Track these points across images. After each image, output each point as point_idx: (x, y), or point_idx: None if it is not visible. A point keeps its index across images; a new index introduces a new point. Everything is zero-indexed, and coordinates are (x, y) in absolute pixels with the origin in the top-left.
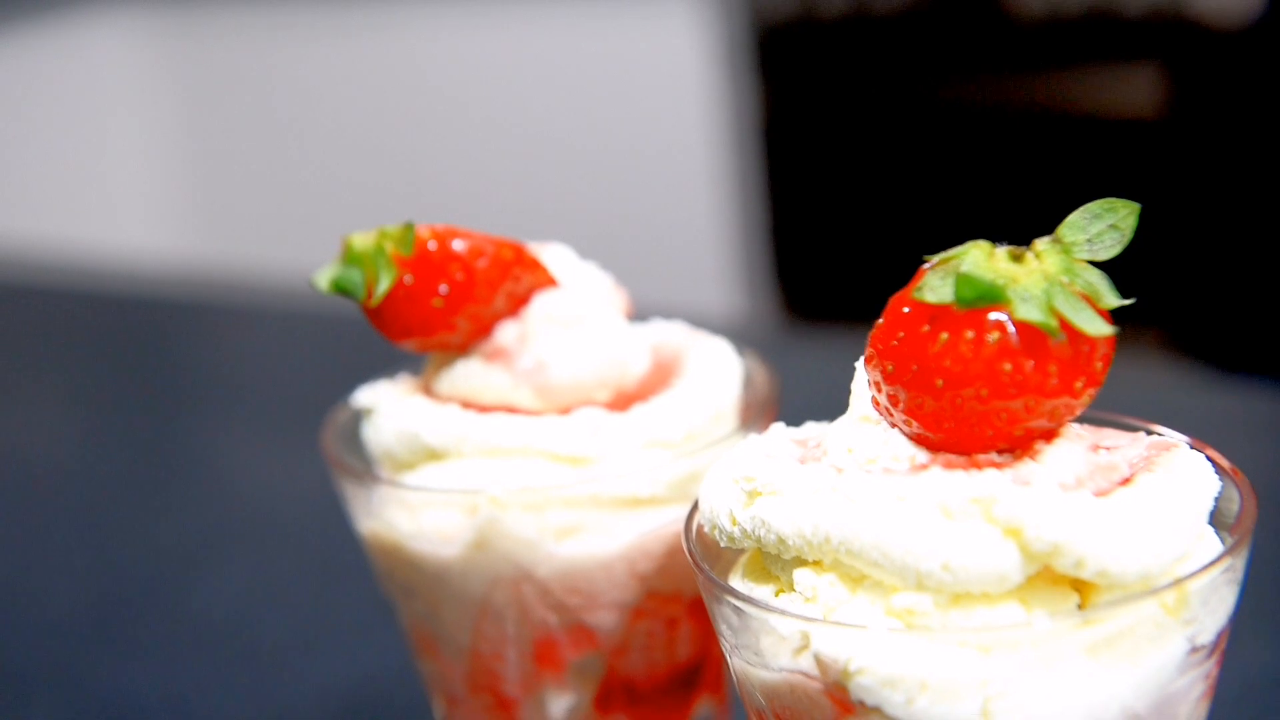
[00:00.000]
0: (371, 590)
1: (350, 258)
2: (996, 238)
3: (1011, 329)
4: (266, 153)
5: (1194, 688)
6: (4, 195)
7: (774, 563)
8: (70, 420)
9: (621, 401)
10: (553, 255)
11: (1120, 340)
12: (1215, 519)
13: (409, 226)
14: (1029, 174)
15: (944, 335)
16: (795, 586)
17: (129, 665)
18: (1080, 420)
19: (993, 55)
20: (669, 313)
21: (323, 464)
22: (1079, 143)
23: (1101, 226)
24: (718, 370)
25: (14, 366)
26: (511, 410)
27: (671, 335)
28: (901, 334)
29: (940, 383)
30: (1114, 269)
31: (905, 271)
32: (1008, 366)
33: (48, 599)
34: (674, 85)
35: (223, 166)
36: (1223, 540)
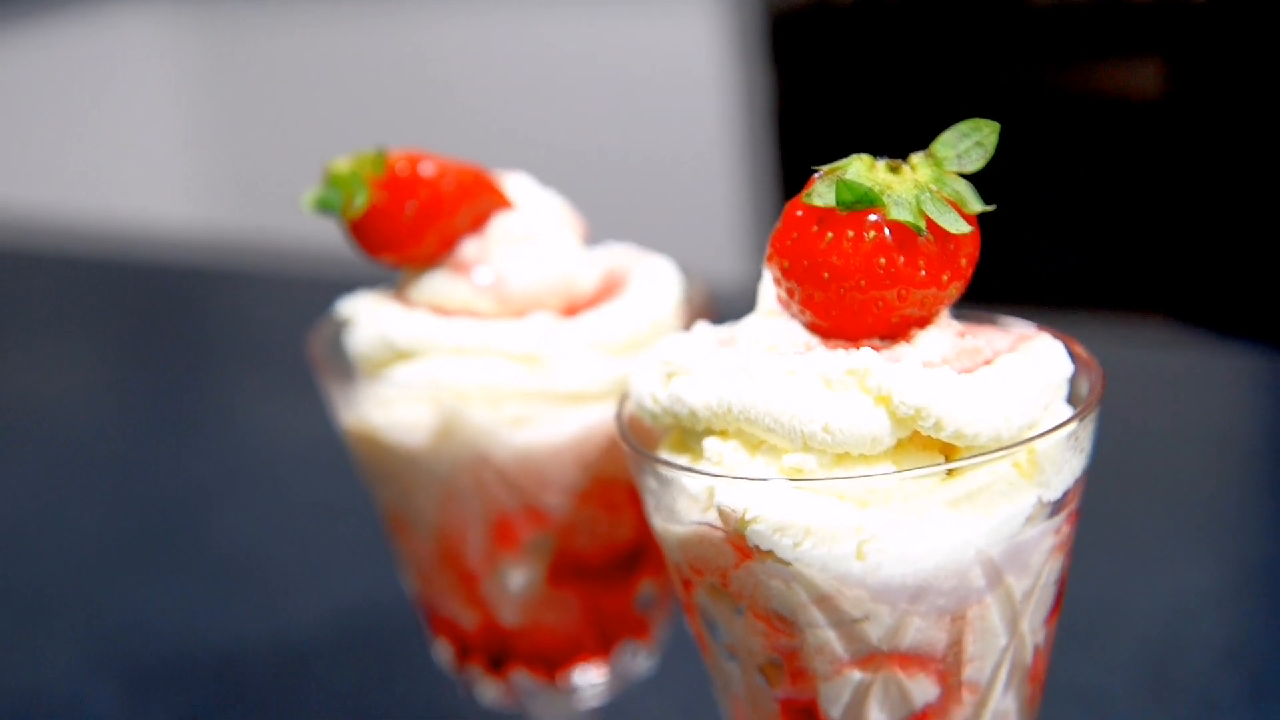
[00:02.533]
0: (369, 525)
1: (331, 180)
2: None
3: (886, 229)
4: (284, 131)
5: (1044, 539)
6: (40, 169)
7: (689, 436)
8: (99, 374)
9: (572, 309)
10: (514, 182)
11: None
12: (1074, 400)
13: (382, 152)
14: (1040, 158)
15: (830, 235)
16: (704, 454)
17: (146, 591)
18: (975, 321)
19: (1005, 41)
20: None
21: (325, 413)
22: (1091, 128)
23: (969, 144)
24: (658, 284)
25: (49, 326)
26: (474, 315)
27: (622, 256)
28: (795, 235)
29: (827, 276)
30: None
31: None
32: (883, 261)
33: (73, 532)
34: (687, 71)
35: (243, 145)
36: None
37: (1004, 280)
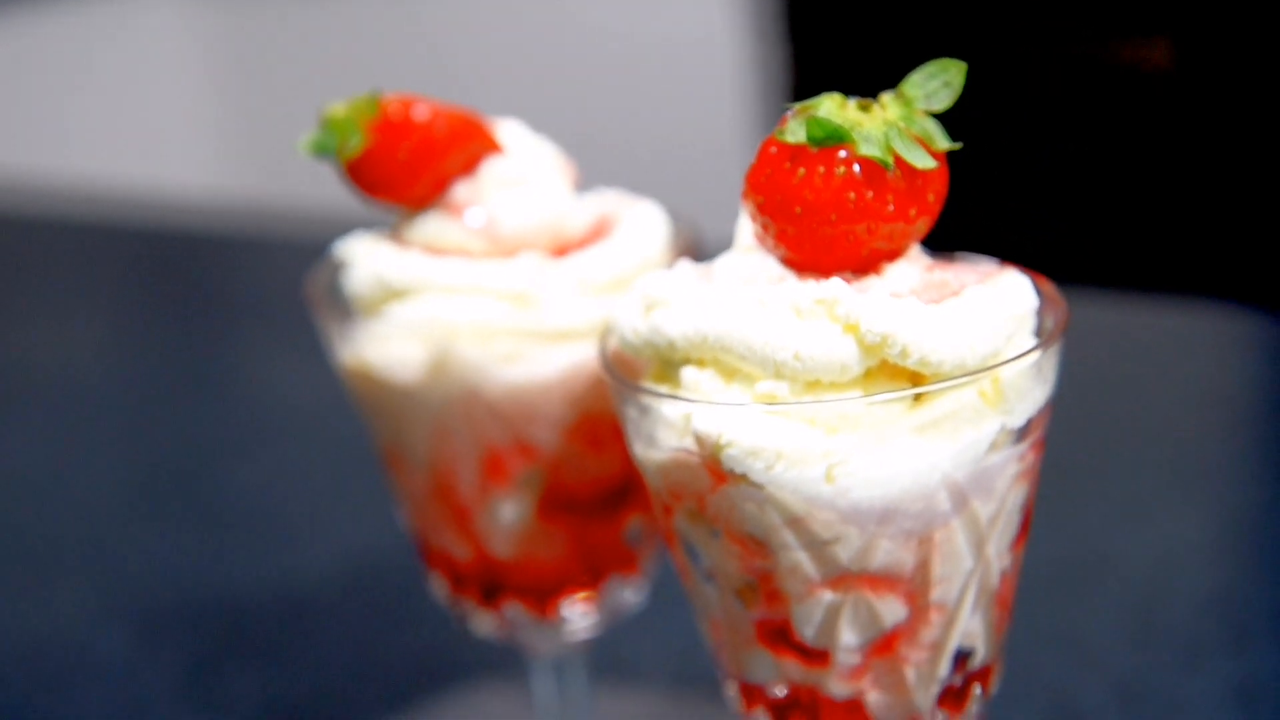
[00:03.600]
0: (374, 477)
1: (327, 124)
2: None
3: (856, 165)
4: (296, 96)
5: (1008, 466)
6: (57, 137)
7: (669, 368)
8: (112, 334)
9: (561, 250)
10: (507, 128)
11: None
12: (1040, 336)
13: (376, 95)
14: (1056, 131)
15: (801, 170)
16: (682, 382)
17: (155, 540)
18: (945, 259)
19: (1023, 19)
20: None
21: (330, 368)
22: (1107, 102)
23: (937, 83)
24: (645, 226)
25: (64, 288)
26: (466, 255)
27: (612, 201)
28: (768, 171)
29: (799, 210)
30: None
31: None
32: (852, 196)
33: (85, 484)
34: (702, 48)
35: (254, 111)
36: None
37: (1011, 250)
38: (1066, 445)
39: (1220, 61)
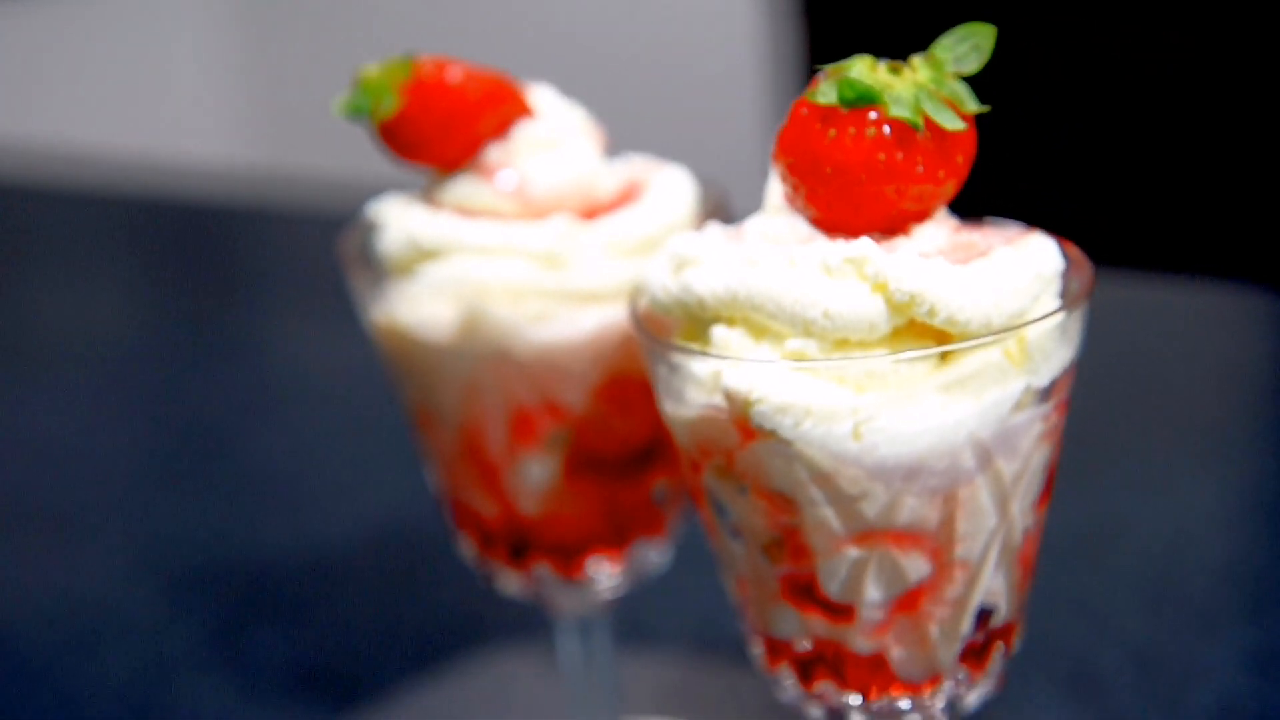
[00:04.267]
0: (398, 443)
1: (361, 86)
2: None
3: (886, 126)
4: (322, 68)
5: (1033, 425)
6: (81, 107)
7: (698, 326)
8: (139, 303)
9: (591, 213)
10: (538, 92)
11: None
12: (1066, 295)
13: (410, 58)
14: (1065, 108)
15: (832, 131)
16: (711, 340)
17: (182, 504)
18: (972, 222)
19: None
20: None
21: (359, 339)
22: (1132, 80)
23: (966, 46)
24: (673, 189)
25: (93, 257)
26: (497, 216)
27: (640, 166)
28: (800, 132)
29: (829, 171)
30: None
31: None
32: (882, 156)
33: (114, 449)
34: (716, 22)
35: (280, 82)
36: None
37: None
38: (1088, 417)
39: (1244, 41)
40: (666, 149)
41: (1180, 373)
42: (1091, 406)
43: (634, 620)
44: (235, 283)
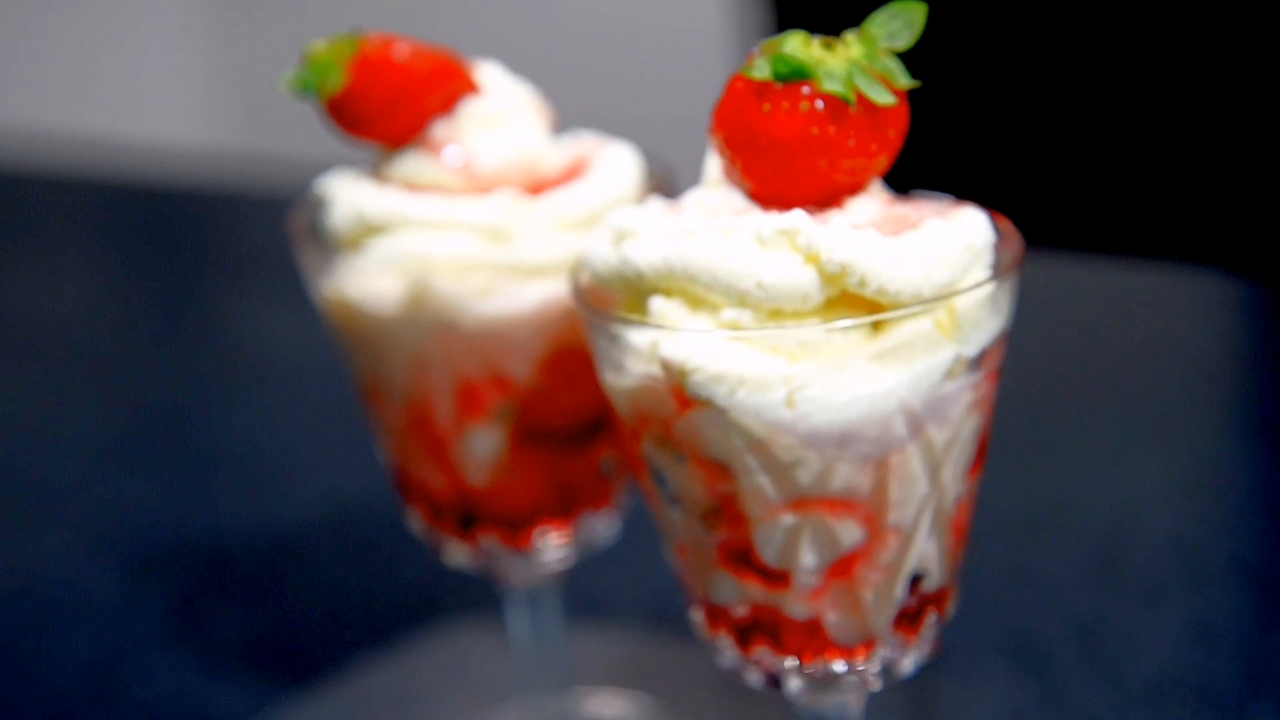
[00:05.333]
0: (356, 422)
1: (309, 62)
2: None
3: (819, 101)
4: (289, 52)
5: (963, 394)
6: (46, 89)
7: (638, 298)
8: (101, 285)
9: (537, 188)
10: (485, 69)
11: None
12: (997, 267)
13: (356, 34)
14: (1056, 100)
15: (767, 106)
16: (649, 312)
17: (142, 483)
18: (907, 196)
19: None
20: None
21: (317, 318)
22: (1094, 58)
23: (899, 23)
24: (619, 165)
25: (55, 240)
26: (443, 191)
27: (587, 142)
28: (735, 106)
29: (764, 144)
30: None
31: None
32: (815, 130)
33: (74, 429)
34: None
35: (248, 67)
36: None
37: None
38: (1038, 395)
39: (1189, 14)
40: (634, 125)
41: (1129, 352)
42: (1041, 384)
43: (586, 594)
44: (195, 263)
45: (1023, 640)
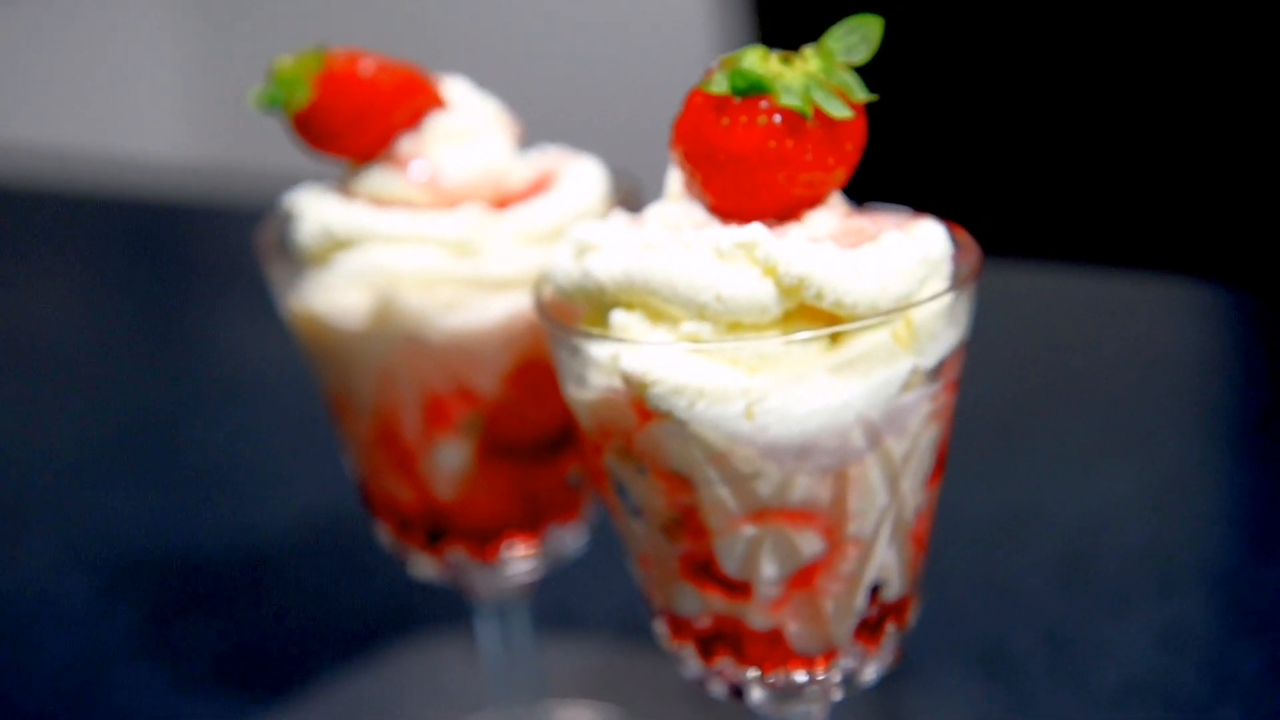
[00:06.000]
0: (329, 435)
1: (275, 77)
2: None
3: (776, 115)
4: (262, 66)
5: (921, 405)
6: (25, 104)
7: (599, 312)
8: (80, 297)
9: (503, 202)
10: (451, 84)
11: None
12: (955, 279)
13: (322, 50)
14: (1032, 108)
15: (725, 120)
16: (610, 325)
17: (118, 497)
18: (868, 209)
19: None
20: None
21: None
22: (1065, 66)
23: (856, 37)
24: (584, 179)
25: (33, 253)
26: (409, 206)
27: (554, 157)
28: (695, 121)
29: (723, 158)
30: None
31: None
32: (773, 144)
33: (51, 441)
34: (672, 10)
35: (227, 78)
36: None
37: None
38: (1007, 403)
39: (1161, 22)
40: (609, 137)
41: (1097, 360)
42: (1010, 392)
43: (557, 605)
44: (174, 276)
45: (991, 648)
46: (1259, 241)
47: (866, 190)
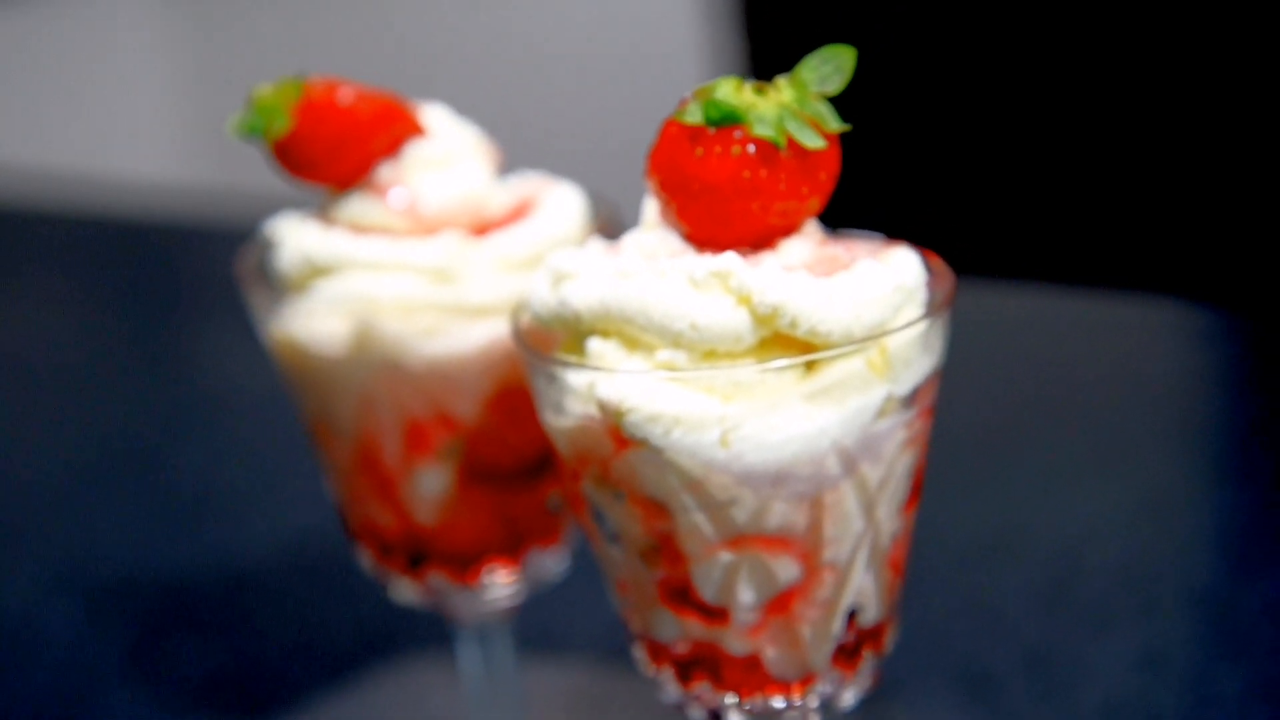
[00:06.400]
0: (313, 458)
1: (254, 106)
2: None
3: (750, 145)
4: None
5: (896, 432)
6: (22, 128)
7: (577, 339)
8: (63, 318)
9: (481, 229)
10: (431, 111)
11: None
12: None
13: (300, 79)
14: (1014, 128)
15: (700, 150)
16: (587, 353)
17: (103, 519)
18: (843, 236)
19: (977, 12)
20: None
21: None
22: (1068, 100)
23: (829, 68)
24: (563, 206)
25: (19, 273)
26: (389, 233)
27: (533, 183)
28: (669, 151)
29: (697, 188)
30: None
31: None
32: (747, 174)
33: (36, 463)
34: (659, 37)
35: (217, 100)
36: None
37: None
38: (988, 423)
39: (1135, 45)
40: (597, 162)
41: (1078, 380)
42: (991, 413)
43: (539, 629)
44: (161, 298)
45: (972, 668)
46: (1237, 261)
47: (846, 209)
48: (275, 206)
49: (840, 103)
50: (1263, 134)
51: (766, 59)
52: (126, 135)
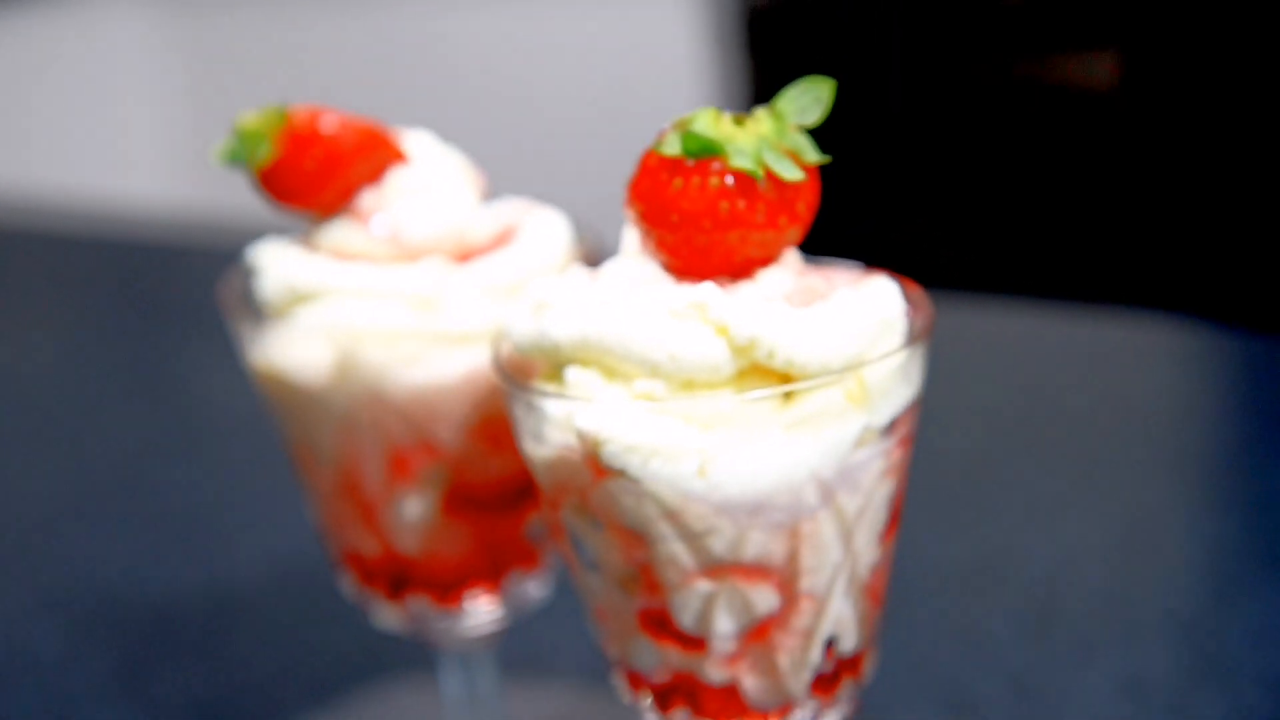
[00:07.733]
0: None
1: (238, 134)
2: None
3: (728, 176)
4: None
5: (873, 462)
6: (12, 148)
7: (556, 369)
8: (50, 340)
9: (465, 256)
10: (414, 139)
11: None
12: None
13: (284, 107)
14: (1007, 146)
15: (678, 181)
16: (566, 382)
17: (90, 542)
18: (824, 266)
19: (977, 35)
20: None
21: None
22: (1058, 119)
23: (808, 99)
24: (547, 233)
25: (11, 298)
26: (371, 260)
27: (518, 210)
28: (648, 181)
29: (675, 219)
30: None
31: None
32: (725, 205)
33: (20, 486)
34: (663, 64)
35: (211, 126)
36: None
37: (922, 259)
38: (971, 448)
39: (1124, 63)
40: (585, 187)
41: (1063, 405)
42: (974, 438)
43: (523, 653)
44: (148, 319)
45: (956, 695)
46: (1222, 279)
47: (833, 230)
48: (262, 230)
49: (837, 103)
50: (1249, 148)
51: (768, 85)
52: (113, 158)
